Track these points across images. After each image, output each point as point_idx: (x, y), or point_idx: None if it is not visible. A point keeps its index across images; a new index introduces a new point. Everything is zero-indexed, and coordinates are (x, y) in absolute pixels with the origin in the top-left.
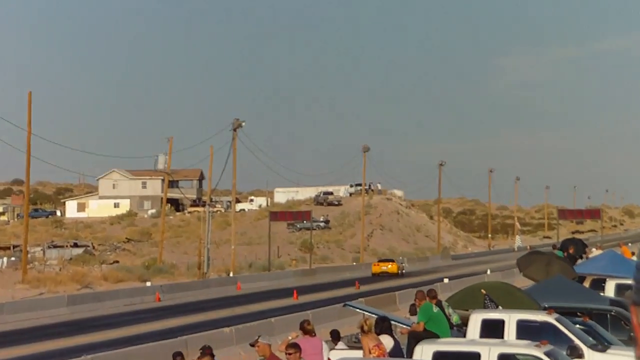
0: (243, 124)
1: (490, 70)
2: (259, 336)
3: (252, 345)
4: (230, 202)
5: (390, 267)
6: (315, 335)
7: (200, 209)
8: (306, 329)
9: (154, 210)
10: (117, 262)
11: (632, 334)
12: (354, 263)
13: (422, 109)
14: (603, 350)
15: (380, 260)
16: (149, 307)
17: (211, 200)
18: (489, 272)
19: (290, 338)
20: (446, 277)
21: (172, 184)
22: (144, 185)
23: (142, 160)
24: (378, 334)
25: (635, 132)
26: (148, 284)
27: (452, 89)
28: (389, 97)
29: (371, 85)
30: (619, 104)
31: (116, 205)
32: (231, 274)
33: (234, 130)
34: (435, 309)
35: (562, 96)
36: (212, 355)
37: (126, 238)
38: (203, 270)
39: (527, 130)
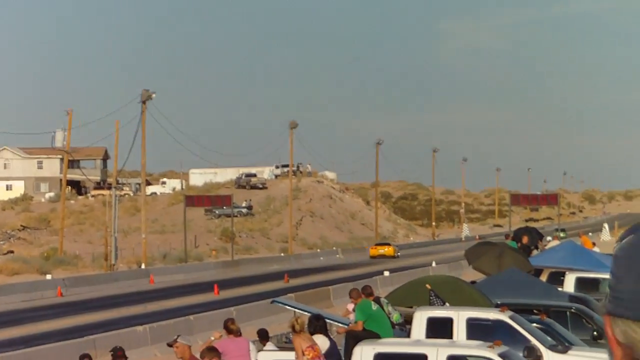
0: (153, 95)
1: (434, 36)
2: (177, 336)
3: (170, 345)
4: (139, 184)
5: (387, 250)
6: (240, 335)
7: (105, 192)
8: (230, 329)
9: (52, 194)
10: (12, 252)
11: (595, 333)
12: (282, 254)
13: (356, 80)
14: (564, 352)
15: (378, 244)
16: (50, 302)
17: (117, 183)
18: (434, 264)
19: (212, 339)
20: (386, 270)
21: (73, 163)
22: (40, 165)
23: (37, 137)
24: (312, 334)
25: (596, 108)
26: (48, 277)
27: (391, 57)
28: (320, 67)
29: (300, 54)
30: (580, 77)
31: (8, 188)
32: (143, 266)
33: (143, 102)
34: (375, 307)
35: (518, 68)
36: (125, 358)
37: (21, 225)
38: (110, 261)
39: (477, 106)
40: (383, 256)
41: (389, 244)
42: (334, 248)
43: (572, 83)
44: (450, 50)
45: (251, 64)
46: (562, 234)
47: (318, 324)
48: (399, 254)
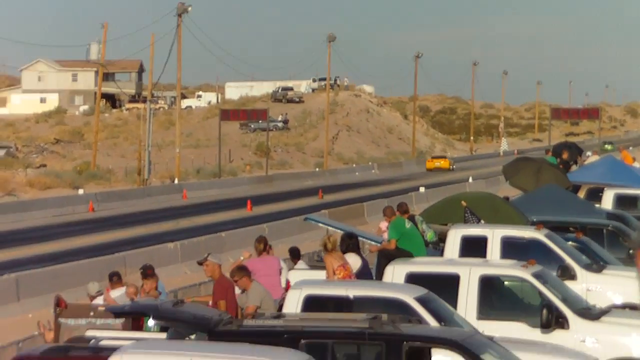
0: (189, 9)
1: None
2: (208, 254)
3: (200, 263)
4: (174, 98)
5: (442, 163)
6: (271, 252)
7: (140, 105)
8: (256, 248)
9: (86, 107)
10: (45, 166)
11: (630, 251)
12: (317, 169)
13: None
14: (598, 271)
15: (434, 157)
16: (82, 218)
17: (152, 96)
18: (470, 179)
19: (242, 258)
20: (422, 186)
21: (108, 76)
22: (75, 78)
23: (72, 50)
24: (344, 253)
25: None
26: (80, 191)
27: None
28: None
29: None
30: None
31: (42, 101)
32: (176, 181)
33: (179, 16)
34: (408, 225)
35: None
36: (154, 276)
37: (54, 138)
38: (143, 176)
39: (516, 18)
40: (439, 169)
41: (444, 157)
42: (370, 163)
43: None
44: None
45: None
46: (609, 147)
47: (350, 242)
48: (454, 166)
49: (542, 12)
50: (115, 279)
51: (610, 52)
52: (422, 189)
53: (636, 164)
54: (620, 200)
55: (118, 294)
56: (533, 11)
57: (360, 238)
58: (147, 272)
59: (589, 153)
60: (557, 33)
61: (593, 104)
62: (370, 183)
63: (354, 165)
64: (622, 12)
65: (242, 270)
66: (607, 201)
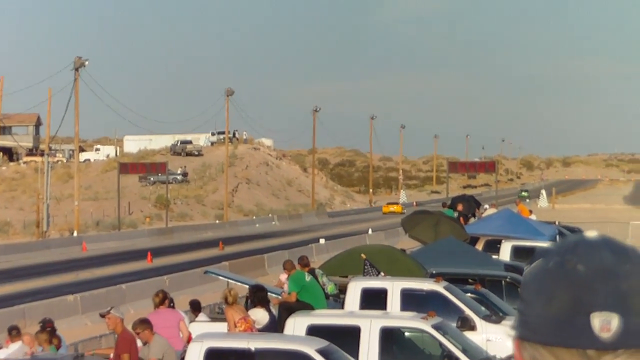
0: (86, 62)
1: (370, 1)
2: (111, 307)
3: (102, 316)
4: (72, 151)
5: (396, 208)
6: (171, 306)
7: (38, 158)
8: (155, 302)
9: None
10: None
11: None
12: (217, 221)
13: (292, 45)
14: (497, 322)
15: (389, 203)
16: None
17: (50, 149)
18: (370, 231)
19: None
20: (322, 238)
21: (4, 130)
22: None
23: None
24: (254, 305)
25: (535, 76)
26: None
27: (328, 23)
28: (255, 32)
29: (235, 17)
30: (519, 44)
31: None
32: (75, 234)
33: (76, 70)
34: (308, 278)
35: (454, 34)
36: (54, 330)
37: None
38: (42, 228)
39: (414, 73)
40: (393, 212)
41: (397, 203)
42: (270, 215)
43: (511, 50)
44: (387, 15)
45: (186, 31)
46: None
47: (260, 296)
48: (405, 211)
49: (439, 69)
50: (14, 332)
51: (506, 107)
52: (322, 241)
53: (533, 216)
54: (518, 252)
55: (16, 348)
56: (429, 67)
57: None
58: (47, 326)
59: (486, 206)
60: (454, 88)
61: (490, 157)
62: (271, 234)
63: (254, 217)
64: (520, 69)
65: (144, 323)
66: (505, 253)
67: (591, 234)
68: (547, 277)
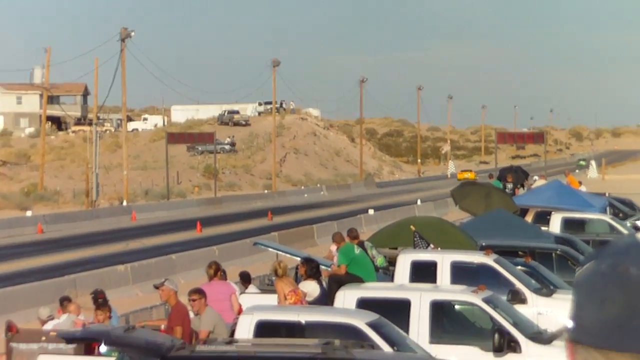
0: (132, 34)
1: None
2: (165, 279)
3: (157, 287)
4: (120, 120)
5: (470, 175)
6: (223, 277)
7: (86, 128)
8: (209, 273)
9: (32, 129)
10: None
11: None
12: (266, 191)
13: (338, 15)
14: (548, 295)
15: (463, 170)
16: (30, 239)
17: (98, 119)
18: (419, 202)
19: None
20: (371, 208)
21: (53, 99)
22: (19, 101)
23: (16, 74)
24: (306, 279)
25: (583, 46)
26: (28, 213)
27: None
28: (303, 2)
29: None
30: (566, 13)
31: None
32: (125, 203)
33: (122, 40)
34: (358, 250)
35: (502, 3)
36: (106, 301)
37: (1, 160)
38: (92, 198)
39: (462, 42)
40: (467, 179)
41: (471, 170)
42: (318, 185)
43: (558, 19)
44: None
45: (232, 4)
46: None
47: (312, 267)
48: (477, 178)
49: (487, 38)
50: (65, 302)
51: (555, 77)
52: (371, 211)
53: (582, 188)
54: (568, 224)
55: (64, 318)
56: (476, 37)
57: None
58: (99, 297)
59: (535, 177)
60: (501, 58)
61: (538, 127)
62: (319, 205)
63: (303, 187)
64: (567, 39)
65: (200, 292)
66: (555, 225)
67: None
68: (600, 281)
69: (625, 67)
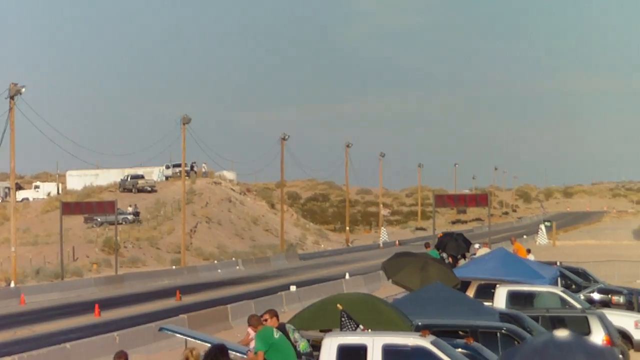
0: (23, 90)
1: (340, 18)
2: None
3: None
4: (8, 189)
5: None
6: None
7: None
8: None
9: None
10: None
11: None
12: (174, 267)
13: (255, 67)
14: None
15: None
16: None
17: None
18: (347, 276)
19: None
20: (293, 284)
21: None
22: None
23: None
24: None
25: (530, 97)
26: None
27: (293, 42)
28: (212, 53)
29: (188, 36)
30: (509, 62)
31: None
32: (12, 284)
33: (11, 98)
34: (277, 334)
35: (437, 51)
36: None
37: None
38: None
39: (393, 95)
40: None
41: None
42: (234, 258)
43: (502, 64)
44: (359, 32)
45: (136, 52)
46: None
47: (223, 358)
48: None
49: (421, 90)
50: None
51: (499, 132)
52: (293, 288)
53: (531, 256)
54: (515, 298)
55: None
56: (411, 86)
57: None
58: None
59: (477, 245)
60: (438, 110)
61: (481, 188)
62: (235, 281)
63: (216, 261)
64: (512, 91)
65: None
66: (500, 300)
67: (562, 333)
68: None
69: (579, 119)
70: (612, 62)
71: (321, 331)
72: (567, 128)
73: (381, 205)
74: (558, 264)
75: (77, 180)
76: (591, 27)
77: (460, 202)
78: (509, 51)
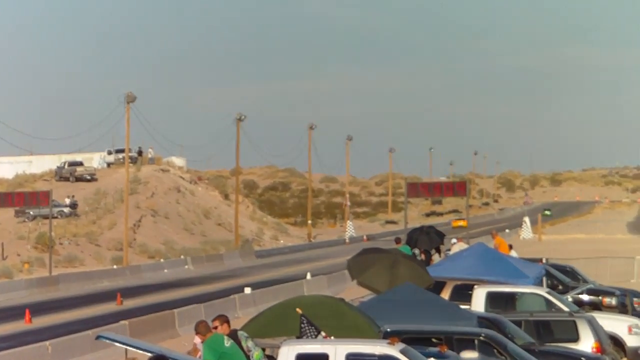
0: None
1: None
2: None
3: None
4: None
5: (463, 222)
6: None
7: None
8: None
9: None
10: None
11: None
12: (115, 266)
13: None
14: None
15: (456, 219)
16: None
17: None
18: (308, 276)
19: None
20: (248, 286)
21: None
22: None
23: None
24: None
25: (514, 71)
26: None
27: (251, 10)
28: (159, 28)
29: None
30: (491, 31)
31: None
32: None
33: None
34: (228, 342)
35: (413, 21)
36: None
37: None
38: None
39: (361, 70)
40: (462, 227)
41: (463, 219)
42: (182, 256)
43: (483, 39)
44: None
45: (73, 23)
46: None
47: None
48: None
49: (393, 63)
50: None
51: (479, 112)
52: (247, 290)
53: (513, 253)
54: (495, 301)
55: None
56: (382, 61)
57: None
58: None
59: (454, 239)
60: (412, 90)
61: (460, 175)
62: (183, 283)
63: (162, 259)
64: (494, 66)
65: None
66: (479, 302)
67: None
68: None
69: (568, 98)
70: (606, 36)
71: (277, 339)
72: (555, 108)
73: (347, 196)
74: (544, 261)
75: (8, 168)
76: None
77: (435, 191)
78: (493, 21)
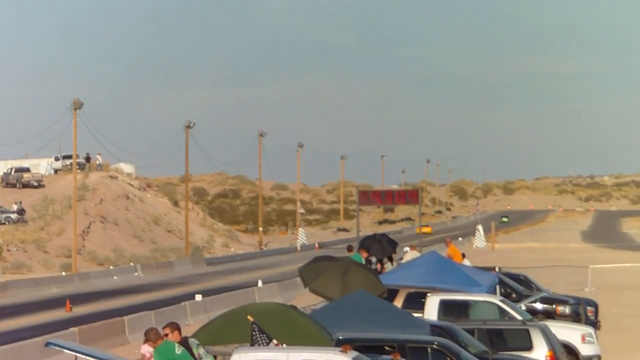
0: None
1: None
2: None
3: None
4: None
5: (427, 229)
6: None
7: None
8: None
9: None
10: None
11: None
12: (64, 273)
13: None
14: None
15: (422, 225)
16: None
17: None
18: (260, 283)
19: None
20: (199, 293)
21: None
22: None
23: None
24: None
25: (467, 79)
26: None
27: (201, 17)
28: (108, 33)
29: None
30: (444, 39)
31: None
32: None
33: None
34: (179, 350)
35: (362, 28)
36: None
37: None
38: None
39: (311, 77)
40: (425, 233)
41: (427, 225)
42: (132, 264)
43: (435, 46)
44: (272, 6)
45: (24, 28)
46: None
47: None
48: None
49: (345, 70)
50: None
51: (431, 121)
52: (198, 297)
53: (466, 261)
54: (448, 309)
55: None
56: (333, 69)
57: None
58: None
59: (406, 248)
60: (364, 96)
61: (412, 183)
62: (133, 290)
63: (111, 266)
64: (446, 73)
65: None
66: (432, 310)
67: None
68: None
69: (520, 106)
70: (559, 45)
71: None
72: (508, 116)
73: (298, 203)
74: (497, 269)
75: None
76: (533, 4)
77: (387, 199)
78: (446, 29)
